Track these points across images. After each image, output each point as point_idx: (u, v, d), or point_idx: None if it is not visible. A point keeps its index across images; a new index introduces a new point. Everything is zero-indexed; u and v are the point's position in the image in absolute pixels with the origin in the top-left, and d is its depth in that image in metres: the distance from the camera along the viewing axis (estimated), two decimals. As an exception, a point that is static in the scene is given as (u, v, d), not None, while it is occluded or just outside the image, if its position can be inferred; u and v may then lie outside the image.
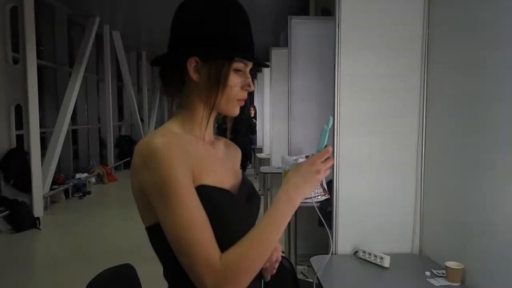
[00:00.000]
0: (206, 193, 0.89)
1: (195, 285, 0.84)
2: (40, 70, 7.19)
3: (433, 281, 1.84)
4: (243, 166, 8.90)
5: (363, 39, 2.16)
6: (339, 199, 2.21)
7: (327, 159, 0.92)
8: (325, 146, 0.94)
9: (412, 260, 2.19)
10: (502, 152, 1.64)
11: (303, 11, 7.29)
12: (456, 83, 1.98)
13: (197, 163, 0.90)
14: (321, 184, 3.54)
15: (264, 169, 5.98)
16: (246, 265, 0.84)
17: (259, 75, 9.04)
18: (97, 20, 8.87)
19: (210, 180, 0.93)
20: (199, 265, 0.81)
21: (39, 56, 6.78)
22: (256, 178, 8.47)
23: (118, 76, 11.79)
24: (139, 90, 14.17)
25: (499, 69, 1.66)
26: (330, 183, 3.06)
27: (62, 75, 8.73)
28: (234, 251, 0.84)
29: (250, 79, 0.99)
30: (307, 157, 4.29)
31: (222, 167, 1.03)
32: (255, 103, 11.05)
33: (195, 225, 0.83)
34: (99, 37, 9.77)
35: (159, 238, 0.88)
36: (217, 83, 0.93)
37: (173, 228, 0.83)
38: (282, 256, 2.06)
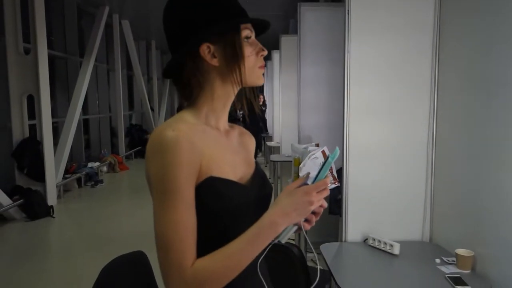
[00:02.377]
0: (214, 185, 0.89)
1: (163, 280, 0.86)
2: (51, 60, 7.24)
3: (443, 268, 1.84)
4: (254, 155, 8.89)
5: (372, 25, 2.14)
6: (349, 187, 2.21)
7: (322, 190, 0.89)
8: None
9: (422, 248, 2.19)
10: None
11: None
12: (468, 68, 1.95)
13: (206, 155, 0.90)
14: (331, 172, 3.53)
15: (274, 157, 5.99)
16: (213, 279, 0.83)
17: (268, 63, 8.99)
18: (107, 9, 8.87)
19: (220, 171, 0.92)
20: (170, 266, 0.83)
21: (49, 46, 6.82)
22: (266, 166, 8.49)
23: (128, 66, 11.82)
24: (149, 79, 14.20)
25: (512, 54, 1.63)
26: (340, 171, 3.06)
27: (72, 65, 8.78)
28: (206, 263, 0.83)
29: (260, 44, 0.98)
30: (317, 145, 4.29)
31: (234, 157, 1.02)
32: (265, 91, 11.04)
33: (180, 227, 0.83)
34: (108, 27, 9.79)
35: None
36: (236, 56, 0.93)
37: (159, 223, 0.85)
38: (292, 244, 2.09)
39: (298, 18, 3.87)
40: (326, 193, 0.91)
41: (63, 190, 6.94)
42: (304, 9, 3.85)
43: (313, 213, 0.94)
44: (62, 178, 7.00)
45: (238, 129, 1.14)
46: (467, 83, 1.96)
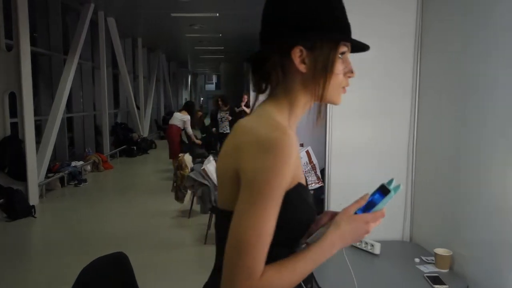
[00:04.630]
0: (301, 192, 0.90)
1: (224, 281, 0.83)
2: (34, 57, 7.12)
3: (422, 268, 1.87)
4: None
5: (356, 29, 2.14)
6: (331, 186, 2.23)
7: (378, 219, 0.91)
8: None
9: (403, 247, 2.22)
10: (490, 143, 1.65)
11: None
12: (448, 73, 1.98)
13: (297, 162, 0.89)
14: (315, 172, 3.56)
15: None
16: None
17: (255, 62, 8.98)
18: (92, 6, 8.76)
19: (301, 178, 0.93)
20: (241, 270, 0.79)
21: (33, 43, 6.70)
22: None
23: (114, 63, 11.70)
24: (135, 78, 14.08)
25: (492, 49, 1.66)
26: (322, 171, 3.07)
27: (56, 62, 8.64)
28: (274, 276, 0.81)
29: (351, 65, 0.95)
30: (301, 145, 4.28)
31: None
32: (251, 92, 11.03)
33: (263, 234, 0.80)
34: (94, 24, 9.66)
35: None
36: (325, 71, 0.90)
37: (242, 224, 0.80)
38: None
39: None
40: (379, 222, 0.91)
41: (46, 189, 6.83)
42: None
43: None
44: (45, 177, 6.90)
45: None
46: (447, 87, 1.99)
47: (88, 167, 8.75)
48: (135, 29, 12.73)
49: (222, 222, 0.88)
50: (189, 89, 27.94)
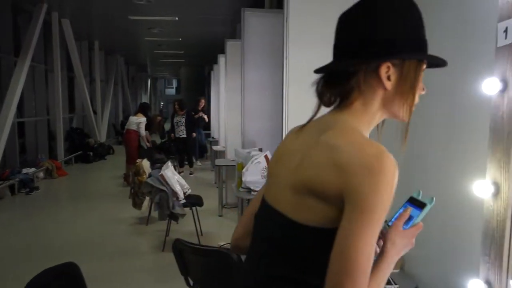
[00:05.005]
0: None
1: None
2: (-19, 58, 6.77)
3: (375, 269, 1.91)
4: (189, 161, 8.93)
5: (310, 33, 2.19)
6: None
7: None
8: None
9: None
10: (433, 145, 1.72)
11: (261, 2, 7.30)
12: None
13: None
14: (274, 176, 3.57)
15: (219, 161, 5.96)
16: None
17: (214, 67, 8.97)
18: (45, 7, 8.43)
19: None
20: None
21: (-21, 44, 6.37)
22: (212, 171, 8.43)
23: (69, 66, 11.31)
24: (91, 81, 13.68)
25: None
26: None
27: (7, 64, 8.27)
28: None
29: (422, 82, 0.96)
30: (260, 150, 4.27)
31: None
32: (212, 95, 11.00)
33: (371, 256, 0.80)
34: (47, 25, 9.31)
35: (317, 243, 0.86)
36: (412, 89, 0.90)
37: (352, 246, 0.78)
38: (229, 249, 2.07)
39: (242, 23, 3.89)
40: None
41: (-6, 197, 6.49)
42: (247, 15, 3.88)
43: None
44: (-7, 185, 6.55)
45: None
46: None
47: (41, 174, 8.38)
48: (92, 32, 12.39)
49: (296, 235, 0.88)
50: (148, 93, 27.45)
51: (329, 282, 0.79)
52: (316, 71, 0.96)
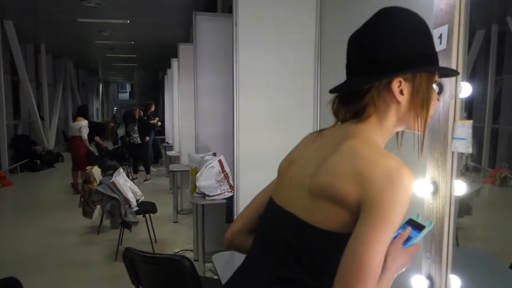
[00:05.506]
0: None
1: None
2: None
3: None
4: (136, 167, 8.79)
5: (259, 38, 2.21)
6: (240, 194, 2.24)
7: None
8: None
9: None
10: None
11: (213, 7, 7.29)
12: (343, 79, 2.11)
13: None
14: (228, 181, 3.56)
15: (173, 167, 5.87)
16: None
17: (168, 71, 8.85)
18: (-15, 7, 8.00)
19: None
20: None
21: None
22: (167, 176, 8.29)
23: (13, 70, 10.75)
24: (38, 86, 13.05)
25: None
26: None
27: None
28: None
29: (436, 93, 0.99)
30: (214, 154, 4.25)
31: None
32: (166, 100, 10.83)
33: (380, 264, 0.83)
34: (-12, 27, 8.83)
35: (328, 247, 0.88)
36: (426, 101, 0.93)
37: (364, 253, 0.81)
38: (182, 256, 2.04)
39: (193, 27, 3.87)
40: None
41: None
42: (199, 18, 3.86)
43: None
44: None
45: None
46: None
47: (-18, 184, 7.90)
48: (38, 34, 11.83)
49: (311, 237, 0.90)
50: (100, 98, 26.61)
51: (338, 283, 0.81)
52: (331, 91, 1.01)
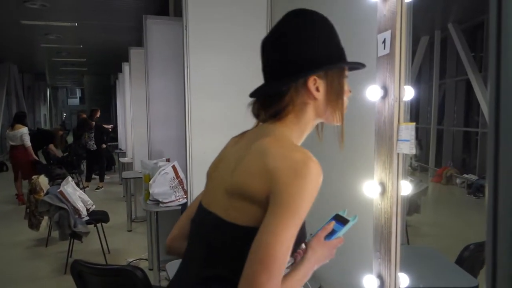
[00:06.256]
0: None
1: None
2: None
3: (281, 273, 1.95)
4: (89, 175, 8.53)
5: (210, 42, 2.19)
6: (193, 200, 2.20)
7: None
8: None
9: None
10: (328, 149, 1.80)
11: (165, 10, 7.18)
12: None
13: None
14: (183, 187, 3.50)
15: (126, 174, 5.71)
16: None
17: (119, 75, 8.62)
18: None
19: None
20: (266, 283, 0.82)
21: None
22: (121, 184, 8.05)
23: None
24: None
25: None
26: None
27: None
28: None
29: (348, 85, 1.05)
30: (168, 160, 4.16)
31: None
32: (118, 105, 10.55)
33: (287, 253, 0.85)
34: None
35: (245, 242, 0.89)
36: (339, 94, 1.00)
37: (275, 244, 0.84)
38: (134, 266, 1.98)
39: (144, 31, 3.78)
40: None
41: None
42: (150, 22, 3.78)
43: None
44: None
45: None
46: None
47: None
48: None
49: (229, 233, 0.94)
50: (48, 104, 25.48)
51: (247, 270, 0.84)
52: (251, 95, 1.06)
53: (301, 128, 1.02)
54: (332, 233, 1.03)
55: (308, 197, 0.87)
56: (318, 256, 1.00)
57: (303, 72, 0.97)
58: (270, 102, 1.01)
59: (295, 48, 0.98)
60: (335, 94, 1.00)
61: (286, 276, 0.92)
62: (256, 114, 1.05)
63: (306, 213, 0.88)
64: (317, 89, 0.99)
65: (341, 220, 1.05)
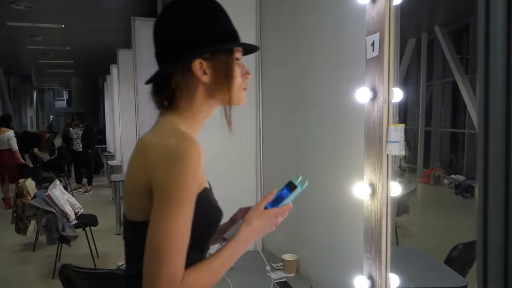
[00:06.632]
0: (208, 195, 0.97)
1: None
2: None
3: (272, 275, 1.95)
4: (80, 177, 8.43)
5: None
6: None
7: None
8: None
9: (256, 257, 2.27)
10: (319, 151, 1.81)
11: (153, 11, 7.14)
12: (284, 91, 2.14)
13: (201, 167, 0.94)
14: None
15: (115, 177, 5.66)
16: None
17: (108, 77, 8.55)
18: None
19: (206, 183, 1.00)
20: (163, 277, 0.82)
21: None
22: (109, 187, 7.97)
23: None
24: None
25: (318, 71, 1.83)
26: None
27: None
28: (195, 277, 0.87)
29: (246, 66, 1.03)
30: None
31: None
32: (106, 108, 10.46)
33: (182, 239, 0.84)
34: None
35: (144, 234, 0.88)
36: (228, 76, 0.97)
37: (160, 232, 0.83)
38: (124, 269, 1.96)
39: (132, 32, 3.76)
40: (286, 215, 1.03)
41: None
42: (138, 24, 3.76)
43: None
44: None
45: None
46: (284, 104, 2.14)
47: None
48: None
49: (134, 232, 0.96)
50: (35, 106, 25.15)
51: (145, 264, 0.84)
52: (146, 83, 1.05)
53: (195, 113, 1.01)
54: (281, 200, 1.00)
55: (187, 179, 0.85)
56: (253, 227, 0.97)
57: (185, 55, 0.96)
58: (160, 88, 1.01)
59: (177, 31, 0.97)
60: (223, 77, 0.98)
61: (211, 257, 0.92)
62: (155, 102, 1.04)
63: (190, 195, 0.86)
64: (204, 72, 0.97)
65: (291, 187, 1.01)
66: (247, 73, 1.04)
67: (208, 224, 0.97)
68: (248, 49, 1.06)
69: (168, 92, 0.99)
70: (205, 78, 0.97)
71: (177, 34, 0.97)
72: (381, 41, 1.23)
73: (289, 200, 1.01)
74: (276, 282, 1.84)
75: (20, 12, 7.45)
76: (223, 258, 0.92)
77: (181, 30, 0.97)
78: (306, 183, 1.03)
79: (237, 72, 1.01)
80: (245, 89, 1.04)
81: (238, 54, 1.01)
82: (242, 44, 1.02)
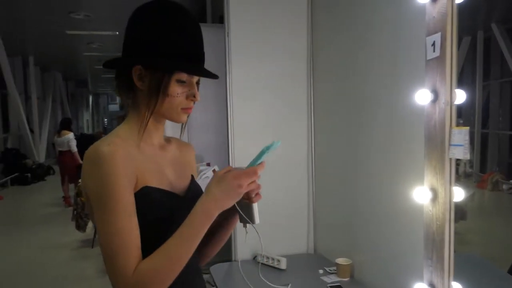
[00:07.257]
0: (150, 194, 0.93)
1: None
2: None
3: (325, 278, 1.93)
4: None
5: (252, 48, 2.21)
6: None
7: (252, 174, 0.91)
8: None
9: (308, 260, 2.28)
10: (375, 154, 1.78)
11: (203, 17, 7.30)
12: (337, 90, 2.11)
13: (141, 168, 0.93)
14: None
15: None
16: (159, 279, 0.85)
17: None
18: (-28, 21, 7.94)
19: (156, 182, 0.96)
20: (116, 272, 0.84)
21: None
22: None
23: (2, 84, 10.65)
24: (27, 99, 12.93)
25: (372, 72, 1.80)
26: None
27: None
28: (148, 264, 0.85)
29: (195, 89, 0.99)
30: (208, 164, 4.22)
31: (170, 170, 1.04)
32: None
33: (124, 234, 0.85)
34: (-25, 41, 8.75)
35: None
36: (157, 92, 0.94)
37: (103, 234, 0.86)
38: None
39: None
40: (256, 177, 0.92)
41: None
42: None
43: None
44: None
45: (176, 142, 1.15)
46: (337, 106, 2.11)
47: (-28, 200, 7.77)
48: (26, 47, 11.75)
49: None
50: (90, 110, 26.44)
51: (107, 269, 0.87)
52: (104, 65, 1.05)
53: (138, 118, 0.99)
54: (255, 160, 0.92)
55: (108, 179, 0.85)
56: (213, 195, 0.87)
57: (128, 58, 0.97)
58: (117, 83, 1.03)
59: (131, 34, 0.98)
60: (152, 91, 0.95)
61: (167, 240, 0.87)
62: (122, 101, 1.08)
63: (118, 193, 0.85)
64: (141, 79, 0.96)
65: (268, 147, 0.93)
66: (193, 96, 0.99)
67: (154, 220, 0.92)
68: (205, 74, 1.01)
69: (120, 84, 1.01)
70: (140, 84, 0.96)
71: (130, 36, 0.98)
72: (442, 41, 1.19)
73: (256, 162, 0.91)
74: (330, 286, 1.82)
75: (78, 21, 7.88)
76: (179, 237, 0.87)
77: (134, 33, 0.97)
78: (277, 143, 0.92)
79: (176, 91, 0.95)
80: (184, 109, 0.99)
81: (182, 77, 0.95)
82: (184, 69, 0.96)
